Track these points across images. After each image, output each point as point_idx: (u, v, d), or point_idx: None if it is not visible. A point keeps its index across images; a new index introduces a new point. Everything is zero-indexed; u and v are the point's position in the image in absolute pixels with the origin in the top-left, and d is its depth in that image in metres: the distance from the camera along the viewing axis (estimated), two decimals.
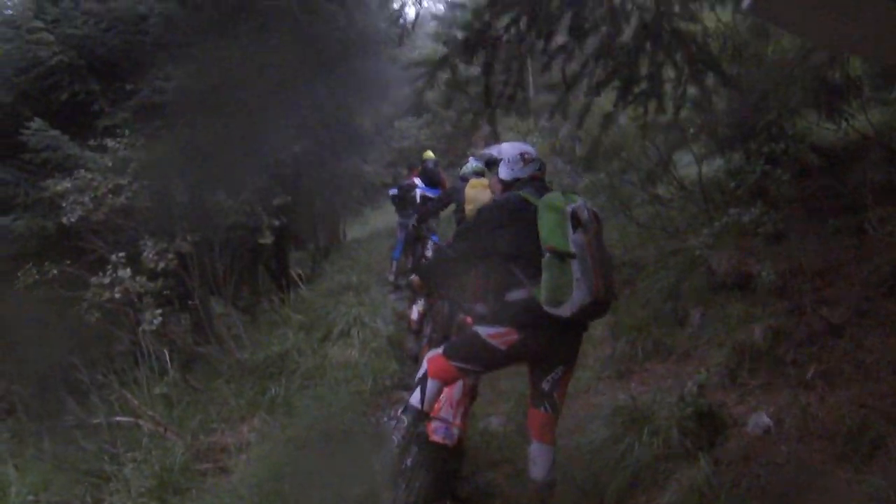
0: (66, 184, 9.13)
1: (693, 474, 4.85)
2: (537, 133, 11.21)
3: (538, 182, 4.91)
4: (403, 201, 13.01)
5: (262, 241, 10.46)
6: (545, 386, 4.72)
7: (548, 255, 4.36)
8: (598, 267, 4.40)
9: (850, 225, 6.71)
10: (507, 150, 5.10)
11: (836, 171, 7.79)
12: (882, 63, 6.40)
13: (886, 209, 6.56)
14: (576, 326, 4.62)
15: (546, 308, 4.36)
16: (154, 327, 8.52)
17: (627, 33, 6.69)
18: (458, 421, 5.22)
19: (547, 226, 4.43)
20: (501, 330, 4.60)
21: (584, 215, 4.45)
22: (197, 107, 10.17)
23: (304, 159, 12.11)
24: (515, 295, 4.61)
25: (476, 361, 4.77)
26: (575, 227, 4.38)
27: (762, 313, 6.38)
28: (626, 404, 5.83)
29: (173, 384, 8.33)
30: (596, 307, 4.45)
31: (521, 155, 5.00)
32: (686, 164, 9.68)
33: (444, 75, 6.83)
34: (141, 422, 7.50)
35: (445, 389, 5.06)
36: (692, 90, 7.51)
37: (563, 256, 4.33)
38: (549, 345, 4.60)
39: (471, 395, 5.49)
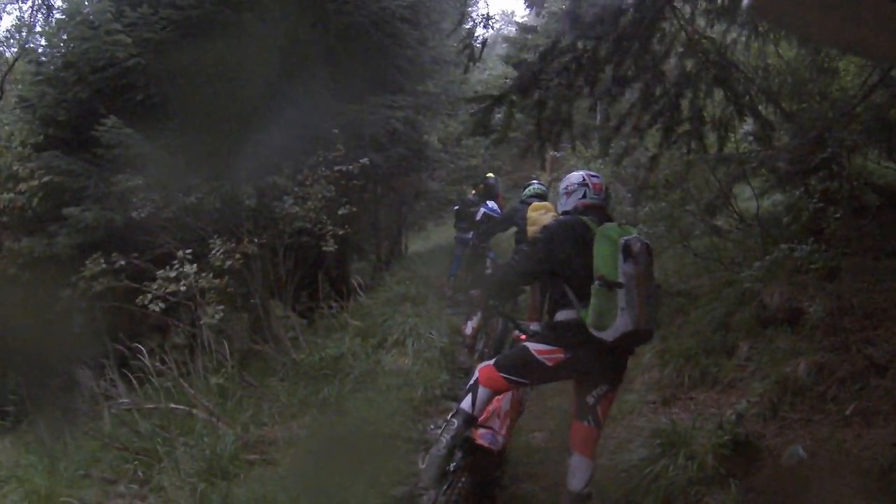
0: (138, 180, 9.40)
1: (724, 499, 4.95)
2: (600, 160, 11.23)
3: (598, 211, 5.09)
4: (463, 215, 13.35)
5: (325, 248, 10.63)
6: (590, 400, 4.88)
7: (597, 282, 4.56)
8: (643, 299, 4.57)
9: None
10: (563, 181, 5.39)
11: (895, 210, 7.79)
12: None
13: None
14: (621, 350, 4.82)
15: (591, 331, 4.56)
16: (214, 322, 8.73)
17: (670, 78, 6.88)
18: (503, 431, 5.36)
19: (601, 254, 4.64)
20: (549, 347, 4.84)
21: (636, 248, 4.60)
22: (269, 115, 10.42)
23: (372, 172, 12.30)
24: (564, 315, 4.87)
25: (524, 375, 4.98)
26: (626, 259, 4.56)
27: (808, 349, 6.39)
28: (666, 427, 5.91)
29: (229, 377, 8.54)
30: (638, 335, 4.65)
31: (564, 188, 5.27)
32: (748, 198, 9.69)
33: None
34: (195, 410, 7.69)
35: (494, 401, 5.26)
36: (749, 126, 7.65)
37: (610, 286, 4.53)
38: (594, 365, 4.80)
39: (517, 408, 5.61)
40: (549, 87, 6.94)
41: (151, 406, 7.98)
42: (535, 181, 10.81)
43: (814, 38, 4.94)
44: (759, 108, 7.58)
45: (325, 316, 11.12)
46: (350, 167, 10.58)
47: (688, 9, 6.98)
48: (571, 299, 4.81)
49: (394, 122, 12.51)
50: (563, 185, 5.38)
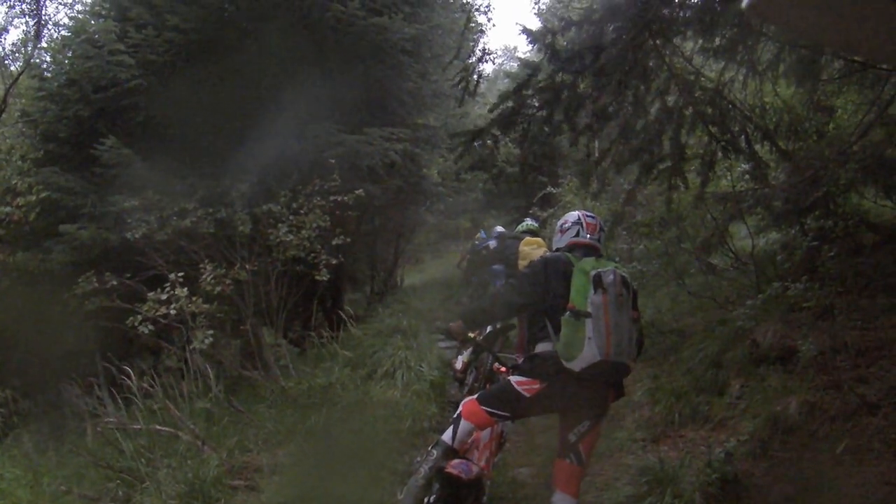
0: (134, 201, 9.40)
1: None
2: (594, 198, 11.29)
3: (590, 249, 5.20)
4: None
5: (318, 277, 10.62)
6: (572, 437, 4.92)
7: (568, 312, 4.66)
8: (613, 329, 4.65)
9: None
10: (560, 219, 5.52)
11: (891, 249, 7.77)
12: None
13: None
14: (599, 384, 4.90)
15: (563, 362, 4.71)
16: (204, 346, 8.70)
17: (650, 114, 6.91)
18: (481, 463, 5.34)
19: (575, 287, 4.77)
20: (527, 379, 4.97)
21: (608, 279, 4.73)
22: (267, 144, 10.44)
23: (368, 203, 12.30)
24: (542, 347, 4.97)
25: (505, 407, 5.08)
26: (595, 290, 4.69)
27: (800, 387, 6.35)
28: (654, 465, 5.89)
29: (216, 402, 8.53)
30: (607, 367, 4.69)
31: (560, 226, 5.44)
32: (743, 237, 9.71)
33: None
34: (180, 433, 7.66)
35: (475, 434, 5.33)
36: (744, 165, 7.66)
37: (578, 315, 4.66)
38: (571, 398, 4.88)
39: (498, 441, 5.65)
40: (530, 121, 6.99)
41: (137, 427, 7.92)
42: (527, 218, 11.17)
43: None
44: (756, 146, 7.60)
45: (316, 345, 11.08)
46: (345, 197, 10.58)
47: (672, 44, 7.00)
48: (549, 332, 4.90)
49: (392, 153, 12.51)
50: (559, 222, 5.53)
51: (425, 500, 4.99)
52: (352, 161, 11.64)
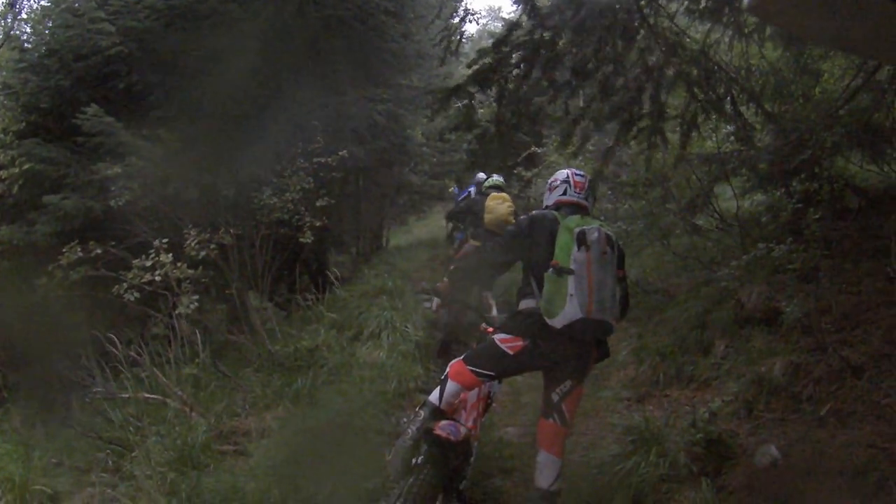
0: (117, 169, 9.34)
1: (695, 498, 4.93)
2: (581, 157, 11.27)
3: (578, 207, 5.24)
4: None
5: (302, 239, 10.61)
6: (554, 397, 4.99)
7: (551, 269, 4.73)
8: (596, 287, 4.71)
9: (882, 269, 6.70)
10: (550, 178, 5.56)
11: (876, 213, 7.77)
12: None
13: None
14: (582, 343, 4.95)
15: (545, 319, 4.77)
16: (189, 311, 8.68)
17: (631, 72, 6.87)
18: (469, 423, 5.37)
19: (559, 244, 4.82)
20: (510, 336, 5.05)
21: (592, 237, 4.76)
22: (250, 107, 10.37)
23: (352, 165, 12.27)
24: (526, 304, 5.03)
25: (489, 366, 5.12)
26: (579, 247, 4.74)
27: (785, 349, 6.38)
28: (639, 424, 5.89)
29: (203, 367, 8.54)
30: (589, 325, 4.75)
31: (549, 184, 5.55)
32: (729, 198, 9.70)
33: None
34: (168, 400, 7.65)
35: (462, 395, 5.34)
36: (729, 126, 7.65)
37: (561, 272, 4.72)
38: (553, 355, 4.96)
39: (485, 401, 5.67)
40: (507, 78, 6.95)
41: (125, 396, 7.92)
42: (494, 174, 11.56)
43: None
44: (741, 108, 7.58)
45: (302, 308, 11.08)
46: (329, 159, 10.55)
47: (656, 3, 6.96)
48: (534, 289, 4.98)
49: (376, 115, 12.47)
50: (549, 181, 5.57)
51: (413, 460, 5.01)
52: (335, 122, 11.59)
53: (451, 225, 15.57)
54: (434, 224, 24.09)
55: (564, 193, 5.30)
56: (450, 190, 18.89)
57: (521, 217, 5.41)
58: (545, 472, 4.94)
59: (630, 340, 8.46)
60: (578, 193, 5.30)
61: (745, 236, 8.43)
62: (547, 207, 5.36)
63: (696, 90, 6.94)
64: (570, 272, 4.69)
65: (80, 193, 10.37)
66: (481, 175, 12.47)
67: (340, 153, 10.71)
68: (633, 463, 5.52)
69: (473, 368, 5.13)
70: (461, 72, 19.04)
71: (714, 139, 9.23)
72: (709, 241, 9.62)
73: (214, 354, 9.25)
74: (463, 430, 5.08)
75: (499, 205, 10.57)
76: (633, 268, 10.28)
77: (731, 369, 6.81)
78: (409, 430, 5.17)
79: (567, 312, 4.67)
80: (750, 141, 7.74)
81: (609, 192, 11.09)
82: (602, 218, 5.47)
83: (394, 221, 22.34)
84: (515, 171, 15.84)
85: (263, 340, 9.63)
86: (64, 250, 9.00)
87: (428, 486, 4.82)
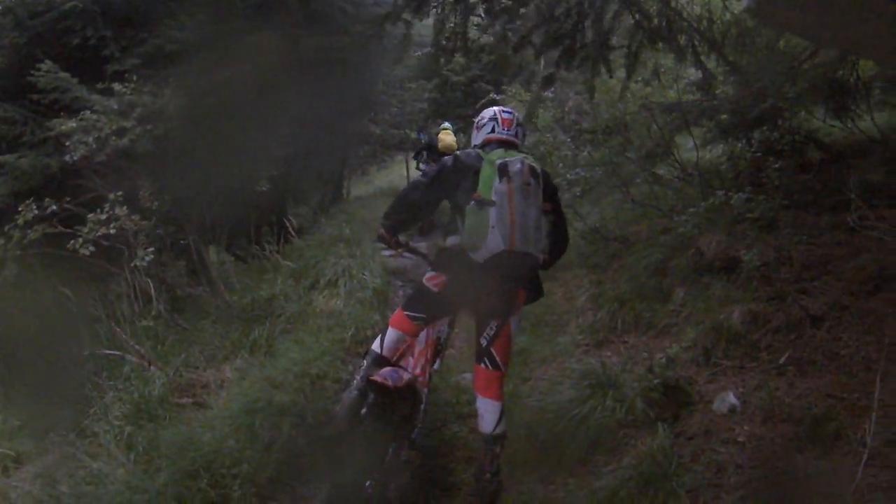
0: (72, 124, 9.19)
1: (652, 443, 4.94)
2: (541, 104, 11.27)
3: (506, 145, 5.21)
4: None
5: (259, 188, 10.52)
6: (483, 342, 5.07)
7: (472, 202, 4.79)
8: (518, 218, 4.77)
9: (842, 222, 6.71)
10: (478, 117, 5.56)
11: (838, 168, 7.78)
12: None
13: (880, 210, 6.56)
14: (504, 279, 4.96)
15: (468, 253, 4.82)
16: (144, 264, 8.57)
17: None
18: (417, 370, 5.39)
19: (482, 178, 4.83)
20: (434, 273, 5.25)
21: (514, 168, 4.84)
22: (206, 59, 10.21)
23: (310, 116, 12.16)
24: (451, 240, 5.17)
25: (419, 307, 5.27)
26: (500, 178, 4.79)
27: (744, 297, 6.39)
28: (595, 369, 5.96)
29: (161, 320, 8.51)
30: (513, 257, 4.79)
31: (476, 123, 5.49)
32: (690, 149, 9.68)
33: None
34: (127, 355, 7.59)
35: (409, 341, 5.43)
36: (692, 73, 7.61)
37: (482, 204, 4.75)
38: (476, 291, 5.04)
39: (433, 347, 5.60)
40: (444, 4, 6.85)
41: (84, 353, 7.82)
42: (445, 121, 16.28)
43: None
44: (703, 58, 7.53)
45: (260, 258, 11.01)
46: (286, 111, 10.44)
47: None
48: (458, 225, 4.97)
49: (334, 63, 12.33)
50: (475, 120, 5.53)
51: (361, 410, 5.01)
52: (290, 72, 11.47)
53: (416, 162, 17.24)
54: (395, 173, 24.05)
55: (492, 131, 5.27)
56: (412, 137, 20.31)
57: (447, 157, 5.26)
58: (486, 417, 5.02)
59: (588, 287, 8.48)
60: (506, 130, 5.26)
61: (705, 186, 8.42)
62: (475, 146, 5.31)
63: (637, 17, 6.85)
64: (492, 203, 4.72)
65: (37, 151, 10.25)
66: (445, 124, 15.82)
67: (300, 105, 10.57)
68: (589, 407, 5.57)
69: (407, 313, 5.25)
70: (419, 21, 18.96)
71: (675, 89, 9.18)
72: (669, 189, 9.61)
73: (174, 308, 9.23)
74: (406, 375, 5.08)
75: (447, 135, 15.29)
76: (592, 215, 10.30)
77: (689, 317, 6.84)
78: (355, 380, 5.26)
79: (489, 244, 4.72)
80: (711, 91, 7.71)
81: (569, 140, 11.05)
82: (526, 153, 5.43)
83: (355, 172, 22.26)
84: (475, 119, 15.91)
85: (221, 292, 9.57)
86: (20, 209, 8.84)
87: (376, 434, 4.85)
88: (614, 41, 7.24)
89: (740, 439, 4.94)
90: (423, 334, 5.50)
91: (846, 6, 2.33)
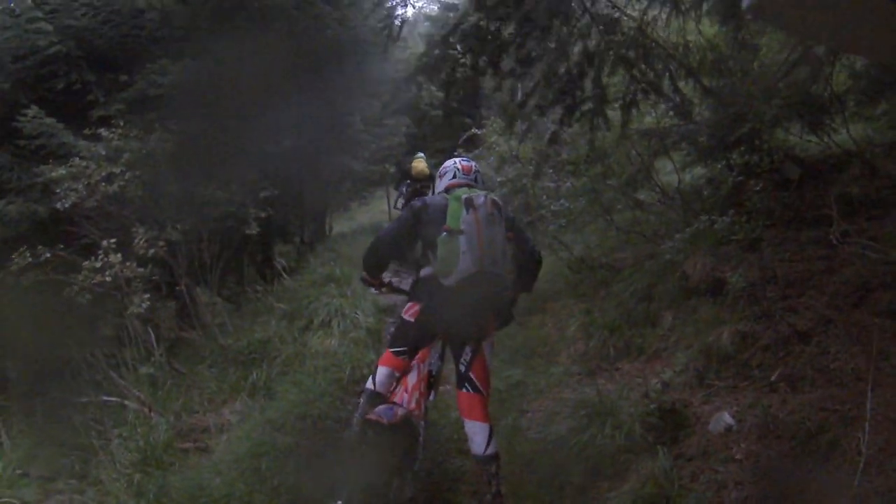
0: (61, 171, 9.23)
1: (653, 467, 5.02)
2: (513, 136, 11.39)
3: (466, 187, 5.61)
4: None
5: (248, 231, 10.61)
6: (462, 367, 5.38)
7: (444, 233, 5.12)
8: (486, 243, 5.12)
9: (824, 237, 6.82)
10: (441, 168, 6.04)
11: (816, 183, 7.88)
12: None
13: (860, 223, 6.68)
14: (476, 303, 5.29)
15: (441, 280, 5.14)
16: (141, 311, 8.62)
17: (573, 57, 7.04)
18: (411, 405, 5.50)
19: (450, 213, 5.20)
20: (411, 304, 5.58)
21: (479, 201, 5.23)
22: (189, 101, 10.30)
23: (293, 155, 12.24)
24: (425, 272, 5.42)
25: (399, 341, 5.59)
26: (467, 210, 5.16)
27: (731, 318, 6.46)
28: (591, 398, 6.03)
29: (158, 366, 8.51)
30: (483, 278, 5.13)
31: (439, 173, 5.98)
32: (669, 172, 9.80)
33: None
34: (126, 401, 7.63)
35: (403, 378, 5.67)
36: (666, 103, 7.79)
37: (452, 233, 5.09)
38: (449, 318, 5.35)
39: (426, 382, 5.76)
40: (455, 67, 7.13)
41: (84, 400, 7.85)
42: (419, 152, 16.73)
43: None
44: (679, 83, 7.69)
45: (252, 300, 11.08)
46: (269, 150, 10.55)
47: None
48: (430, 258, 5.29)
49: (313, 102, 12.44)
50: (438, 171, 6.03)
51: (361, 448, 5.19)
52: (274, 113, 11.56)
53: (397, 193, 17.62)
54: (376, 209, 24.11)
55: (454, 177, 5.74)
56: (390, 172, 20.69)
57: (414, 201, 5.65)
58: (476, 440, 5.17)
59: (578, 316, 8.52)
60: (466, 176, 5.73)
61: (687, 209, 8.53)
62: (439, 192, 5.74)
63: (634, 72, 7.09)
64: (461, 232, 5.07)
65: (25, 197, 10.27)
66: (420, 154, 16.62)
67: (283, 144, 10.69)
68: (588, 436, 5.64)
69: (392, 350, 5.57)
70: (397, 55, 19.07)
71: (654, 114, 9.32)
72: (651, 214, 9.72)
73: (168, 353, 9.23)
74: (400, 411, 5.18)
75: (419, 163, 15.88)
76: (577, 244, 10.40)
77: (679, 340, 6.94)
78: (354, 419, 5.47)
79: (461, 268, 5.04)
80: (689, 116, 7.87)
81: (551, 171, 11.15)
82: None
83: (337, 208, 22.29)
84: (457, 153, 15.98)
85: (215, 335, 9.63)
86: (13, 256, 8.87)
87: (378, 470, 4.95)
88: (610, 95, 7.49)
89: (738, 457, 5.00)
90: (415, 370, 5.71)
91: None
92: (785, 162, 8.13)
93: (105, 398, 7.81)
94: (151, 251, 9.08)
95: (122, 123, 9.87)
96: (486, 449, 5.10)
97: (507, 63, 7.24)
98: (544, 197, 10.55)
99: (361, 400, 5.55)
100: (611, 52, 7.00)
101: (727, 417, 5.39)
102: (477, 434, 5.16)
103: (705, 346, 6.30)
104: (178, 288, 10.24)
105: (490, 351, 5.53)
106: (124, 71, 11.00)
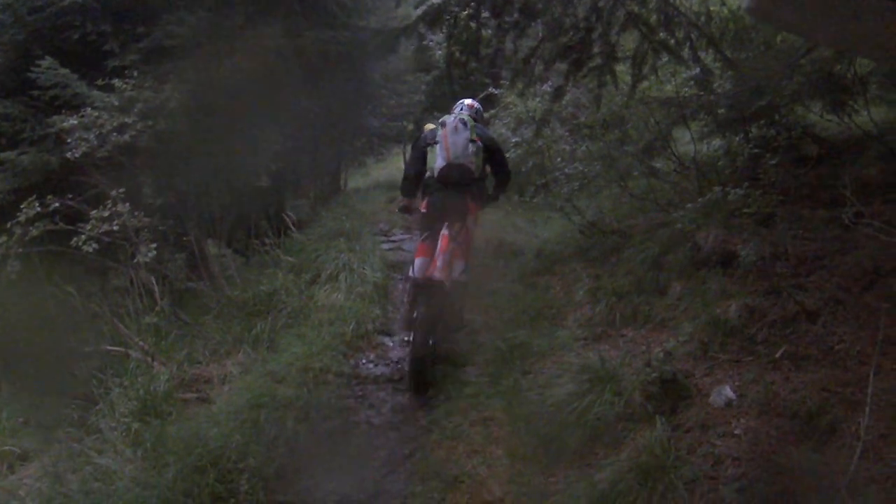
0: (73, 121, 9.19)
1: (650, 436, 5.00)
2: (538, 98, 11.23)
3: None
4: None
5: (259, 184, 10.58)
6: (453, 234, 7.37)
7: (430, 147, 7.67)
8: (451, 145, 7.52)
9: (838, 217, 6.73)
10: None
11: (833, 163, 7.80)
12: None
13: (876, 206, 6.59)
14: (455, 188, 7.51)
15: (432, 176, 7.58)
16: (148, 260, 8.61)
17: (580, 12, 6.94)
18: (439, 271, 7.10)
19: (437, 136, 7.69)
20: (423, 200, 7.76)
21: (449, 121, 7.69)
22: (205, 53, 10.23)
23: (309, 109, 12.17)
24: (426, 176, 7.75)
25: (424, 228, 7.70)
26: (441, 127, 7.67)
27: (740, 292, 6.44)
28: (594, 363, 6.02)
29: (163, 316, 8.52)
30: (453, 168, 7.50)
31: (451, 110, 8.45)
32: (687, 142, 9.69)
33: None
34: (130, 351, 7.66)
35: (434, 260, 7.26)
36: (690, 71, 7.66)
37: (433, 145, 7.64)
38: (442, 200, 7.53)
39: (445, 243, 7.29)
40: (456, 18, 7.18)
41: (88, 349, 7.87)
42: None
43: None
44: (700, 54, 7.58)
45: (260, 252, 11.05)
46: (285, 104, 10.47)
47: None
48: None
49: (332, 57, 12.36)
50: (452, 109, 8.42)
51: (414, 314, 7.14)
52: (291, 65, 11.47)
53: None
54: (393, 166, 24.03)
55: (461, 109, 8.20)
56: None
57: (422, 135, 8.07)
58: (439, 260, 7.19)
59: (586, 280, 8.48)
60: (469, 110, 8.16)
61: (702, 180, 8.45)
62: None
63: (643, 30, 6.97)
64: (437, 142, 7.59)
65: (38, 148, 10.29)
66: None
67: (299, 98, 10.63)
68: (588, 401, 5.64)
69: (420, 240, 7.69)
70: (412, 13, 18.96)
71: (673, 83, 9.20)
72: (666, 183, 9.61)
73: (175, 303, 9.30)
74: (431, 273, 7.10)
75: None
76: (590, 208, 10.31)
77: (686, 310, 6.87)
78: (404, 298, 8.29)
79: (438, 164, 7.51)
80: (709, 86, 7.76)
81: (566, 134, 11.04)
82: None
83: (352, 164, 22.25)
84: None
85: (222, 286, 9.62)
86: (22, 206, 8.85)
87: (425, 320, 6.97)
88: (620, 52, 7.39)
89: (737, 432, 4.98)
90: (438, 246, 7.28)
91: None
92: (804, 139, 8.04)
93: (108, 348, 7.83)
94: (160, 200, 9.05)
95: (135, 74, 9.77)
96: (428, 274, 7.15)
97: (509, 15, 7.20)
98: (559, 159, 10.44)
99: (407, 285, 7.85)
100: (621, 10, 6.87)
101: (728, 391, 5.36)
102: (440, 258, 7.17)
103: (712, 318, 6.25)
104: (186, 239, 10.21)
105: (473, 225, 7.71)
106: (141, 21, 10.98)
